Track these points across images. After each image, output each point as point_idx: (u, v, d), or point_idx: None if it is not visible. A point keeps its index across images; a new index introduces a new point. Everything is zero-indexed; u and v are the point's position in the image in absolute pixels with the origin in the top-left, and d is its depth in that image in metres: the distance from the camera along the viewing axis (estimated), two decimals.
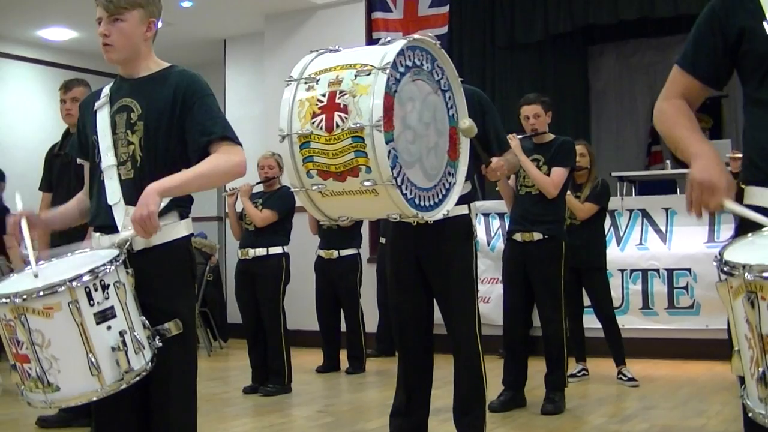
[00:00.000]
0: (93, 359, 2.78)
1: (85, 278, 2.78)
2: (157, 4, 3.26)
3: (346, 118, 3.42)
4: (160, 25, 3.29)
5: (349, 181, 3.49)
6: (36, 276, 2.89)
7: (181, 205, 3.19)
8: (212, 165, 3.08)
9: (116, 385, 2.84)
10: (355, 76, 3.48)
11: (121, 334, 2.85)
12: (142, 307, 2.99)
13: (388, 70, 3.45)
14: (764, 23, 2.51)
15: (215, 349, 10.23)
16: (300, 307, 8.94)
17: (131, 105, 3.18)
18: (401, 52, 3.59)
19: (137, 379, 2.90)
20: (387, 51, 3.55)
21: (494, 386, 5.75)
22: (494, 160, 4.52)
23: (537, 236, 6.07)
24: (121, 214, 3.09)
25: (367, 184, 3.44)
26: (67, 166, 5.70)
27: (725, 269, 2.25)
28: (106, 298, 2.84)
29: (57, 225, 3.54)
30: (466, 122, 3.96)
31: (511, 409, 6.06)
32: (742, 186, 2.58)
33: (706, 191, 2.44)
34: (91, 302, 2.79)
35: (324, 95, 3.51)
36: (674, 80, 2.76)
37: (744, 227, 2.50)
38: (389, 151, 3.43)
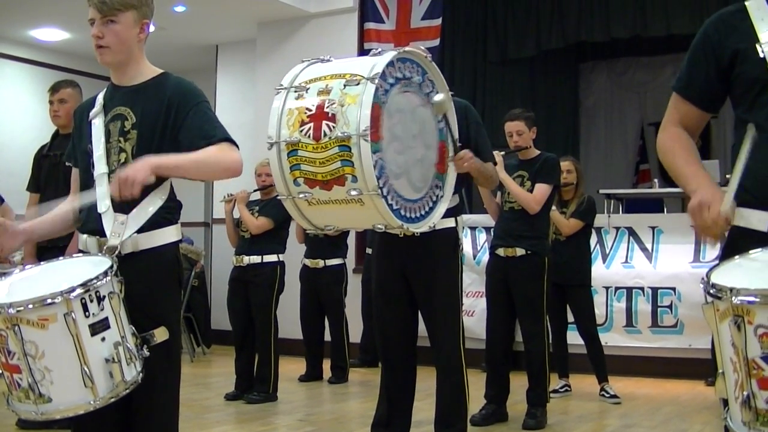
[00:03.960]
0: (87, 371, 2.74)
1: (81, 290, 2.75)
2: (150, 5, 3.22)
3: (333, 126, 3.43)
4: (152, 28, 3.28)
5: (336, 190, 3.49)
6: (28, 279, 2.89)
7: (170, 211, 3.17)
8: (209, 154, 3.05)
9: (109, 396, 2.81)
10: (344, 85, 3.49)
11: (116, 345, 2.82)
12: (128, 312, 2.95)
13: (377, 81, 3.46)
14: (757, 45, 2.52)
15: (198, 355, 10.20)
16: (284, 315, 8.88)
17: (125, 113, 3.16)
18: (391, 63, 3.60)
19: (127, 391, 2.87)
20: (376, 62, 3.56)
21: (476, 400, 5.75)
22: (465, 151, 4.37)
23: (520, 252, 6.07)
24: (110, 221, 3.07)
25: (353, 193, 3.44)
26: (55, 167, 5.69)
27: (712, 292, 2.25)
28: (101, 310, 2.80)
29: (40, 237, 3.44)
30: (441, 95, 3.89)
31: (493, 423, 6.05)
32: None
33: (704, 210, 2.44)
34: (87, 314, 2.76)
35: (313, 104, 3.51)
36: (672, 107, 2.78)
37: (730, 248, 2.51)
38: (376, 161, 3.44)
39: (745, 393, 2.17)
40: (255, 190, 7.31)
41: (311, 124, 3.48)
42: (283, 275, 7.19)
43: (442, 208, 3.98)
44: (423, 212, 3.85)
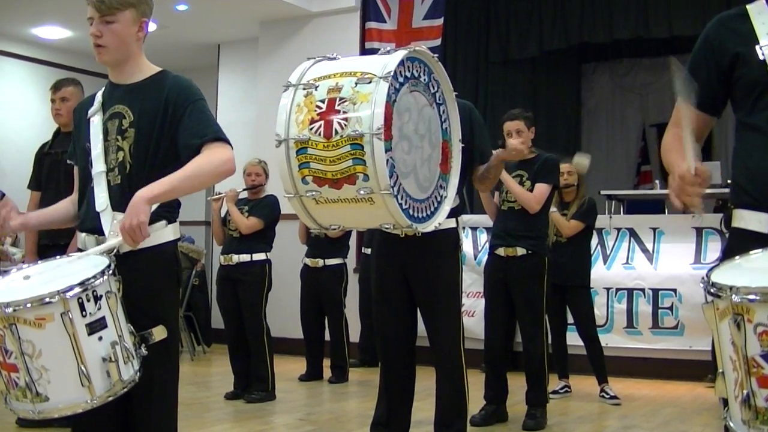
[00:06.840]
0: (84, 370, 2.74)
1: (78, 289, 2.75)
2: (149, 3, 3.22)
3: (345, 125, 3.43)
4: (152, 26, 3.27)
5: (345, 189, 3.49)
6: (27, 278, 2.88)
7: (168, 209, 3.17)
8: (198, 166, 3.04)
9: (106, 395, 2.81)
10: (356, 83, 3.49)
11: (113, 345, 2.82)
12: (126, 311, 2.95)
13: (389, 79, 3.46)
14: (757, 48, 2.53)
15: (198, 354, 10.20)
16: (284, 314, 8.92)
17: (123, 112, 3.16)
18: (401, 63, 3.61)
19: (125, 390, 2.87)
20: (388, 60, 3.56)
21: (476, 400, 5.75)
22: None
23: (520, 251, 6.06)
24: (109, 219, 3.07)
25: (363, 192, 3.44)
26: (56, 165, 5.69)
27: (712, 291, 2.27)
28: (98, 309, 2.80)
29: (36, 224, 3.49)
30: (585, 161, 4.02)
31: (493, 423, 6.05)
32: (732, 209, 2.60)
33: (675, 177, 2.45)
34: (84, 313, 2.75)
35: (323, 101, 3.51)
36: (677, 110, 2.80)
37: (731, 249, 2.52)
38: (387, 160, 3.44)
39: (744, 391, 2.18)
40: (244, 189, 7.32)
41: (322, 122, 3.47)
42: (270, 273, 7.22)
43: (446, 207, 3.98)
44: (429, 212, 3.85)
